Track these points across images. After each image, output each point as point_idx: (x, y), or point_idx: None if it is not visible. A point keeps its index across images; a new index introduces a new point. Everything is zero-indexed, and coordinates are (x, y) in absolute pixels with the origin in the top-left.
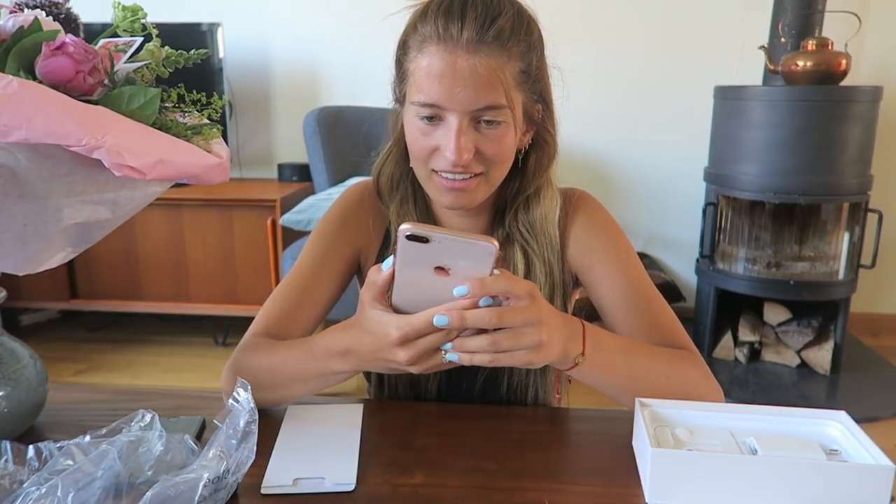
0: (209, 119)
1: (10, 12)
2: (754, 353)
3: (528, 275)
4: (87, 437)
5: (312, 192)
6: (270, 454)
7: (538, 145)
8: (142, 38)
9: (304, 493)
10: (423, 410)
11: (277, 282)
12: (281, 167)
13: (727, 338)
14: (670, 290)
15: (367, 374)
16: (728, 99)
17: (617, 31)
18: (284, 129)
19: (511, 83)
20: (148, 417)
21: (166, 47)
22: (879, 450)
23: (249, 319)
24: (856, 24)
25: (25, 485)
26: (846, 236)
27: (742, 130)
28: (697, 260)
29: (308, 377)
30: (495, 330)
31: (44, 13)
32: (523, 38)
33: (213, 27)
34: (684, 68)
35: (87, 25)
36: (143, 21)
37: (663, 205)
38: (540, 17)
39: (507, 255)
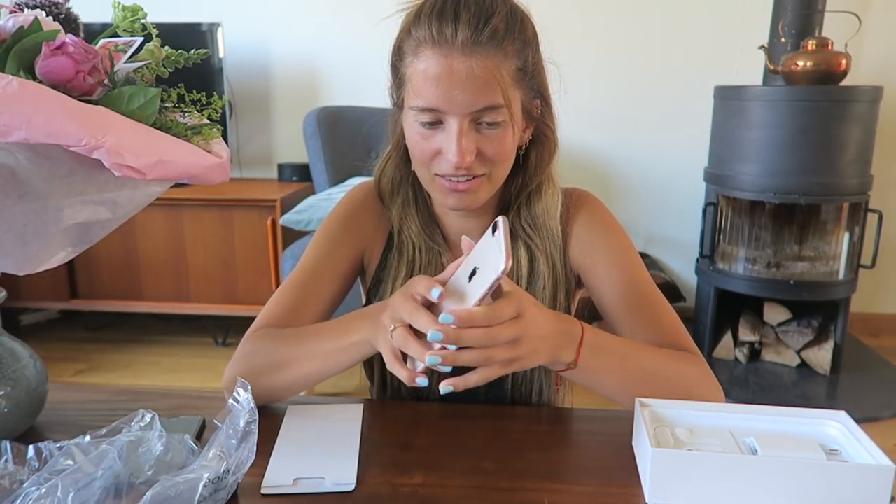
0: (209, 119)
1: (10, 12)
2: (754, 353)
3: (531, 271)
4: (87, 437)
5: (312, 192)
6: (270, 454)
7: (538, 141)
8: (142, 38)
9: (304, 493)
10: (424, 410)
11: (278, 282)
12: (281, 167)
13: (727, 338)
14: (670, 290)
15: (370, 374)
16: (728, 99)
17: (617, 31)
18: (284, 129)
19: (508, 82)
20: (148, 417)
21: (166, 47)
22: (879, 450)
23: (249, 319)
24: (856, 24)
25: (25, 485)
26: (846, 236)
27: (742, 130)
28: (697, 260)
29: (324, 349)
30: None
31: (44, 13)
32: (518, 35)
33: (213, 27)
34: (684, 68)
35: (87, 25)
36: (143, 21)
37: (663, 205)
38: (540, 17)
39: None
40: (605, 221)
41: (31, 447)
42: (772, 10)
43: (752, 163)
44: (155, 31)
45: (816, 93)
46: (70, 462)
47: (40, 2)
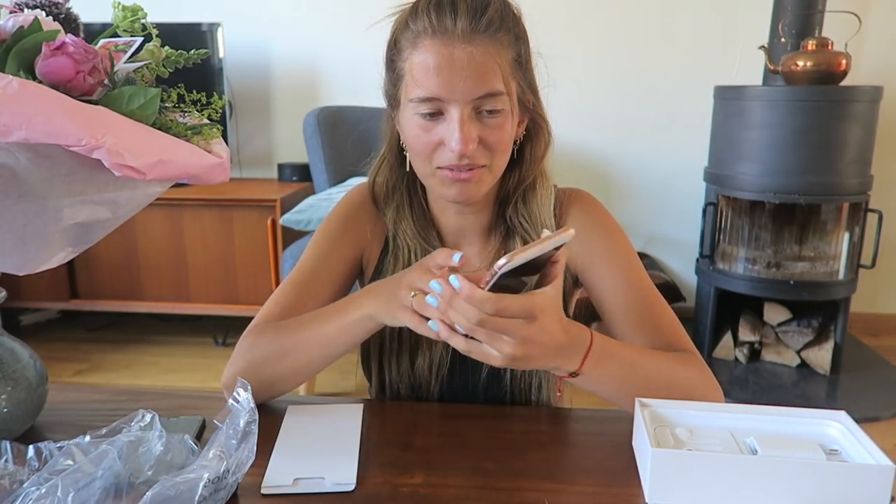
0: (209, 119)
1: (10, 12)
2: (754, 353)
3: None
4: (87, 437)
5: (312, 192)
6: (270, 454)
7: (532, 135)
8: (142, 38)
9: (304, 493)
10: (423, 410)
11: (277, 282)
12: (281, 167)
13: (727, 338)
14: (670, 290)
15: (368, 375)
16: (728, 99)
17: (617, 30)
18: (284, 129)
19: (507, 70)
20: (148, 417)
21: (166, 47)
22: (879, 450)
23: (249, 319)
24: (856, 24)
25: (25, 485)
26: (846, 236)
27: (742, 130)
28: (697, 260)
29: (326, 331)
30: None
31: (44, 13)
32: (512, 27)
33: (213, 27)
34: (684, 68)
35: (87, 25)
36: (143, 21)
37: (663, 205)
38: (540, 18)
39: (508, 248)
40: (604, 222)
41: (31, 447)
42: (772, 10)
43: (752, 163)
44: (155, 31)
45: (816, 93)
46: (70, 462)
47: (40, 2)
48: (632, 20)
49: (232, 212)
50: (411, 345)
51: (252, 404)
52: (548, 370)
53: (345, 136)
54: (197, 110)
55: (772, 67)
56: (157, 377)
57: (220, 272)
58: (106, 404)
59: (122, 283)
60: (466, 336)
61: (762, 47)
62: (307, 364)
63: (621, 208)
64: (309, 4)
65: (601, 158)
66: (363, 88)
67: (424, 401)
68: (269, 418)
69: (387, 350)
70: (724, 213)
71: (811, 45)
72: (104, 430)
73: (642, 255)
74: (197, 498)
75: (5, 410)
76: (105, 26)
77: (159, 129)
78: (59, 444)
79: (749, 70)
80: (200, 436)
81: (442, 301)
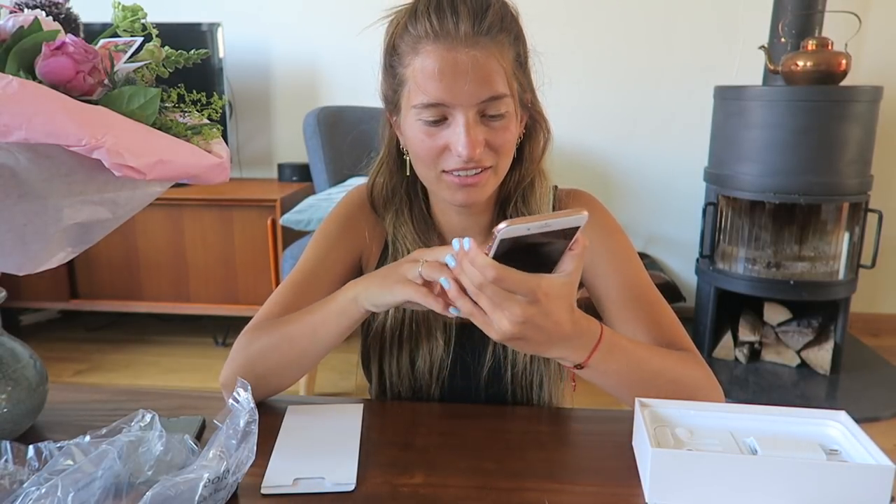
0: (209, 119)
1: (10, 12)
2: (754, 353)
3: None
4: (87, 437)
5: (312, 192)
6: (270, 454)
7: (531, 133)
8: (142, 38)
9: (304, 493)
10: (423, 410)
11: (277, 282)
12: (281, 167)
13: (727, 338)
14: (670, 290)
15: (368, 376)
16: (728, 99)
17: (617, 30)
18: (284, 129)
19: (509, 70)
20: (148, 417)
21: (166, 47)
22: (879, 450)
23: (249, 319)
24: (856, 24)
25: (25, 485)
26: (846, 236)
27: (742, 130)
28: (697, 260)
29: (313, 320)
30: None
31: (44, 13)
32: (511, 27)
33: (213, 27)
34: (684, 68)
35: (87, 25)
36: (143, 21)
37: (663, 205)
38: (540, 17)
39: None
40: (604, 221)
41: (31, 447)
42: (772, 10)
43: (752, 163)
44: (155, 31)
45: (816, 93)
46: (70, 462)
47: (40, 2)
48: (632, 20)
49: (232, 212)
50: (411, 347)
51: (252, 404)
52: (558, 361)
53: (345, 136)
54: (197, 110)
55: (772, 67)
56: (157, 377)
57: (220, 272)
58: (106, 404)
59: (122, 283)
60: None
61: (762, 47)
62: (297, 357)
63: (621, 208)
64: (309, 4)
65: (601, 158)
66: (363, 88)
67: (425, 400)
68: (269, 418)
69: (387, 352)
70: (724, 213)
71: (811, 45)
72: (104, 430)
73: (642, 255)
74: (197, 498)
75: (5, 410)
76: (105, 26)
77: (159, 129)
78: (59, 444)
79: (749, 70)
80: (200, 436)
81: (457, 260)
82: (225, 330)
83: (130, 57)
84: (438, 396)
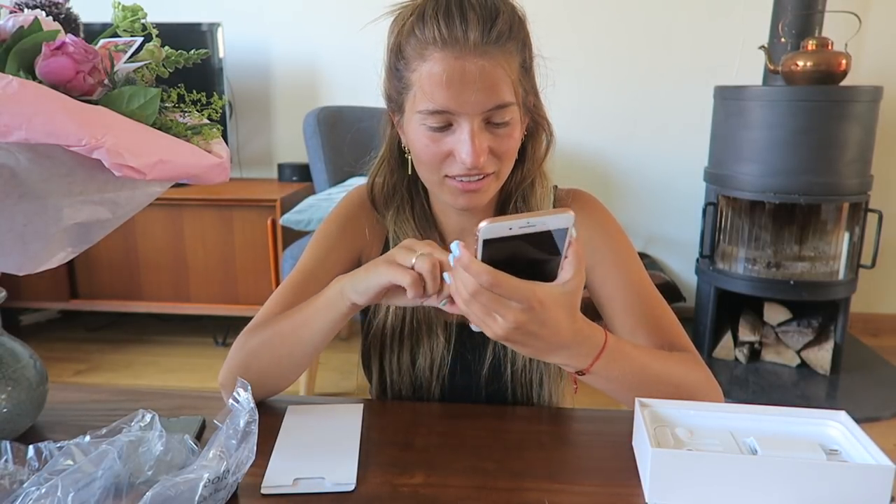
0: (209, 119)
1: (10, 12)
2: (754, 353)
3: None
4: (87, 437)
5: (312, 192)
6: (270, 454)
7: (533, 134)
8: (142, 38)
9: (304, 493)
10: (424, 410)
11: (277, 282)
12: (281, 167)
13: (727, 338)
14: (670, 290)
15: (368, 375)
16: (728, 99)
17: (616, 30)
18: (284, 129)
19: (515, 78)
20: (148, 417)
21: (166, 47)
22: (879, 450)
23: (249, 319)
24: (856, 24)
25: (25, 485)
26: (846, 236)
27: (742, 130)
28: (697, 260)
29: (303, 315)
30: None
31: (44, 13)
32: (519, 33)
33: (213, 27)
34: (684, 68)
35: (87, 25)
36: (143, 21)
37: (663, 205)
38: (540, 18)
39: None
40: (606, 223)
41: (31, 447)
42: (772, 10)
43: (752, 163)
44: (155, 31)
45: (816, 93)
46: (70, 462)
47: (40, 2)
48: (632, 20)
49: (232, 212)
50: (412, 344)
51: (252, 404)
52: (560, 366)
53: (345, 136)
54: (197, 110)
55: (772, 67)
56: (156, 377)
57: (220, 272)
58: (106, 404)
59: (122, 283)
60: None
61: (762, 47)
62: (288, 353)
63: (621, 208)
64: (309, 4)
65: (601, 159)
66: (363, 88)
67: (425, 401)
68: (269, 418)
69: (388, 349)
70: (724, 213)
71: (811, 45)
72: (104, 430)
73: (642, 255)
74: (197, 498)
75: (5, 410)
76: (105, 26)
77: (159, 129)
78: (59, 444)
79: (749, 70)
80: (200, 436)
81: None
82: (225, 330)
83: (130, 57)
84: (439, 394)
